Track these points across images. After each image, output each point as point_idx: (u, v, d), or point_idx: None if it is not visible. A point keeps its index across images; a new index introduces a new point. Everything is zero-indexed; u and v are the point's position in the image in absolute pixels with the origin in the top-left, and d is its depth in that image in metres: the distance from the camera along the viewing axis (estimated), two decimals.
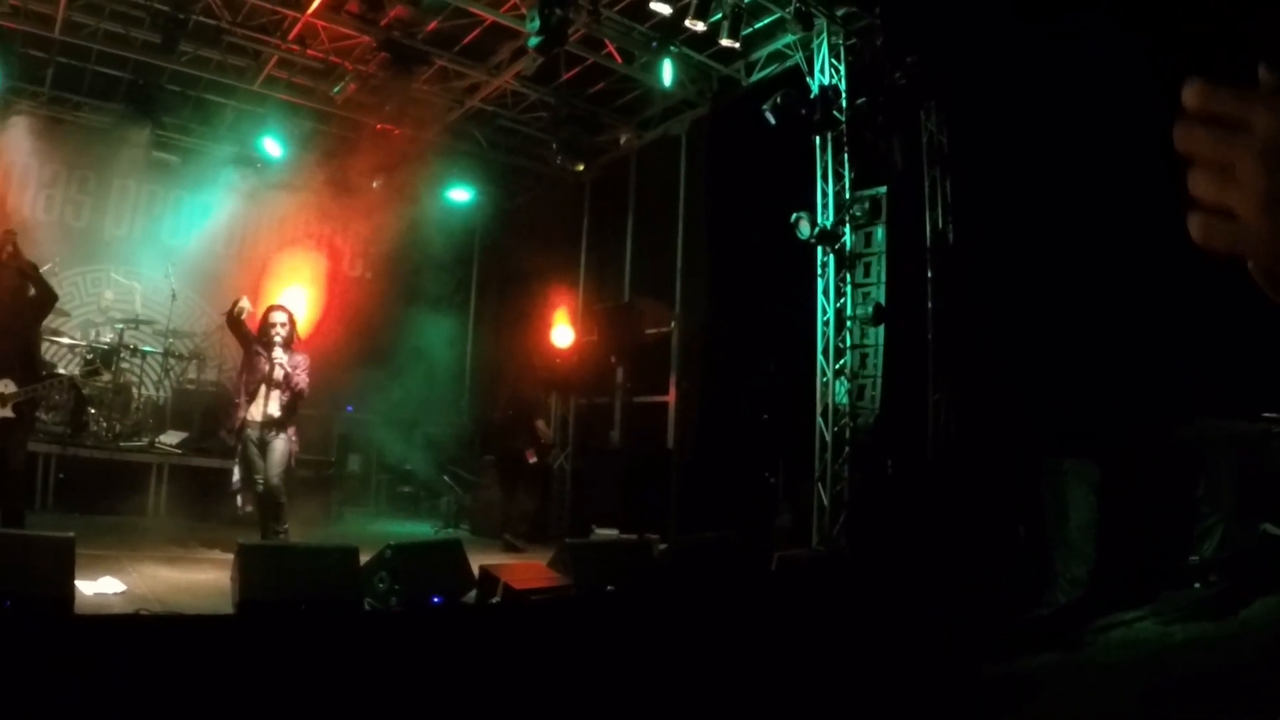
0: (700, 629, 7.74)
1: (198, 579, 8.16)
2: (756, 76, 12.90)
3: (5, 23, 12.45)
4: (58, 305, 11.74)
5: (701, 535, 9.85)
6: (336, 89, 14.57)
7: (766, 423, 12.74)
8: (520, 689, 6.59)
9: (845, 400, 11.37)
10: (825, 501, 11.13)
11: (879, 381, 11.33)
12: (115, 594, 7.20)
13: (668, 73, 12.77)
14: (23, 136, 14.43)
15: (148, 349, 14.11)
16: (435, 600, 7.55)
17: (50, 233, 14.93)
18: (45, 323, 12.79)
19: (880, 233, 11.40)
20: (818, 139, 11.69)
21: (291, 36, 13.38)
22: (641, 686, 6.93)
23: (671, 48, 12.49)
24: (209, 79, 14.57)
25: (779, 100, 11.40)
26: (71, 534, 6.34)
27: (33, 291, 8.96)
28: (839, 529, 10.96)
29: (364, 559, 7.28)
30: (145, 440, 12.59)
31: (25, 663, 5.34)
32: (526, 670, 6.74)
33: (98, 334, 12.94)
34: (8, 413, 8.53)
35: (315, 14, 12.69)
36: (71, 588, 6.13)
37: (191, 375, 14.43)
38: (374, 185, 16.17)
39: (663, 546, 9.88)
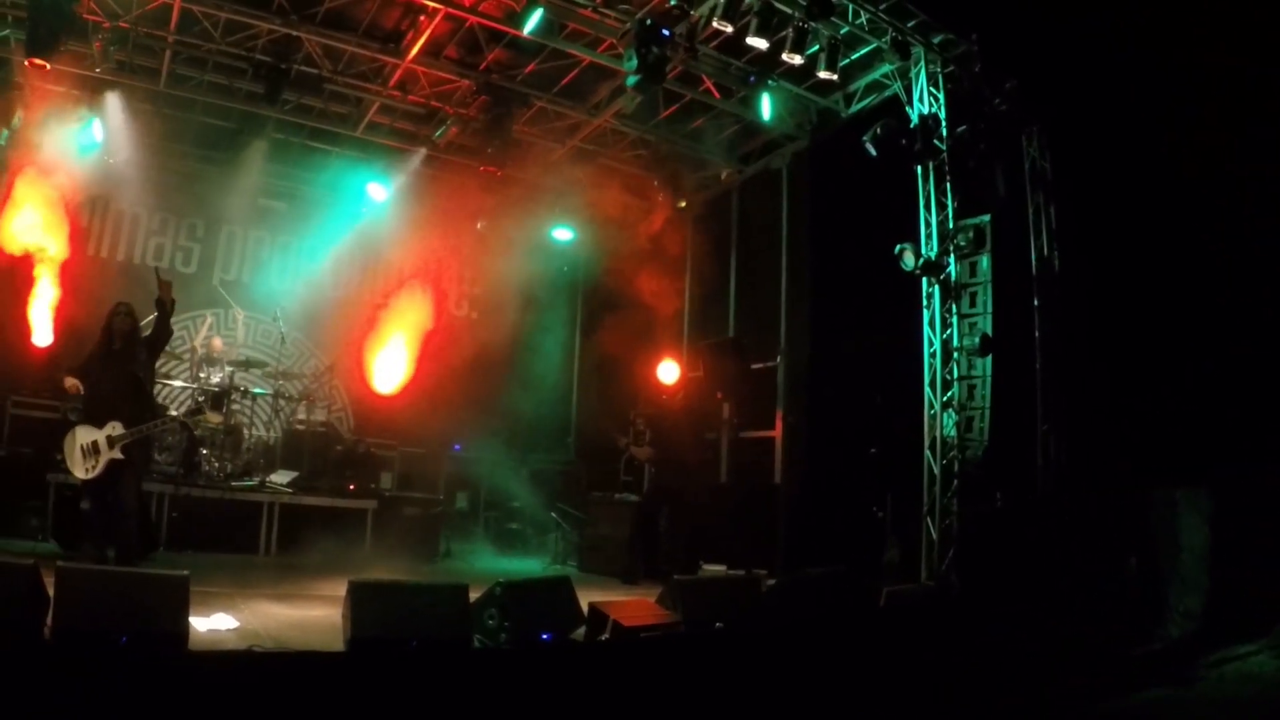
0: (809, 666, 7.76)
1: (309, 616, 8.34)
2: (856, 107, 13.07)
3: (113, 76, 13.20)
4: (169, 349, 12.42)
5: (809, 571, 9.79)
6: (438, 133, 15.10)
7: (874, 456, 12.76)
8: None
9: (953, 432, 11.36)
10: (934, 536, 11.14)
11: (987, 413, 11.25)
12: (228, 630, 7.38)
13: (766, 106, 12.98)
14: (131, 185, 15.11)
15: (258, 390, 14.64)
16: (544, 637, 7.57)
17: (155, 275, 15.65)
18: (159, 367, 13.54)
19: (985, 262, 11.36)
20: (919, 169, 11.77)
21: (392, 83, 14.00)
22: None
23: (770, 81, 12.71)
24: (312, 126, 15.27)
25: (879, 131, 11.49)
26: (186, 572, 6.51)
27: (146, 332, 9.57)
28: (948, 564, 10.94)
29: (473, 596, 7.36)
30: (256, 480, 12.99)
31: (141, 698, 5.57)
32: (636, 708, 6.84)
33: (208, 377, 13.45)
34: (116, 454, 9.06)
35: (415, 60, 13.27)
36: (186, 624, 6.30)
37: (301, 416, 14.91)
38: (478, 227, 16.68)
39: (771, 582, 9.88)
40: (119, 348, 9.44)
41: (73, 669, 5.63)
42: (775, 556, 12.84)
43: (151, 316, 10.05)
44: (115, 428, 9.15)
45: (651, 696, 7.02)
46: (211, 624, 7.42)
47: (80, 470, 9.07)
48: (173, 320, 13.88)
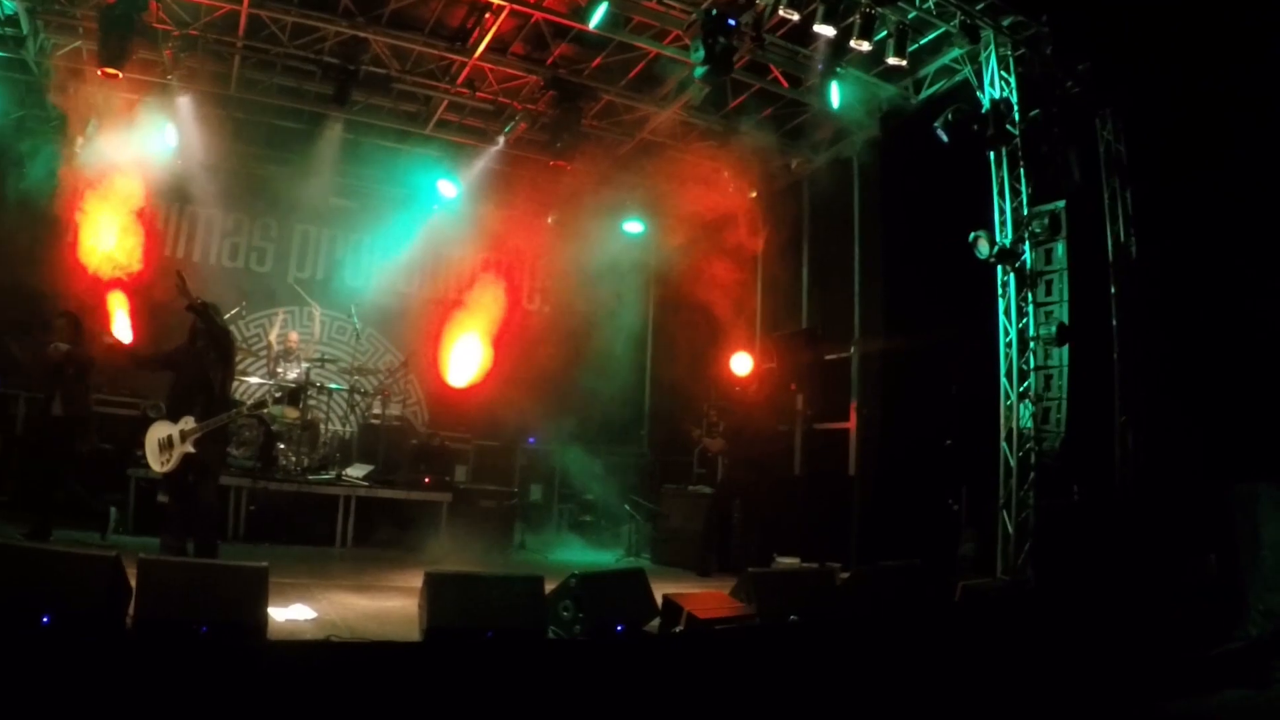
0: (884, 660, 7.75)
1: (386, 606, 8.50)
2: (926, 93, 12.89)
3: (184, 83, 13.50)
4: (244, 345, 12.64)
5: (884, 564, 9.67)
6: (507, 129, 15.19)
7: (949, 448, 12.62)
8: (706, 717, 6.77)
9: (1030, 424, 11.20)
10: (1010, 529, 11.01)
11: (1064, 404, 11.05)
12: (306, 621, 7.53)
13: (835, 95, 12.82)
14: (205, 188, 15.45)
15: (334, 386, 14.91)
16: (618, 629, 7.60)
17: (236, 279, 16.15)
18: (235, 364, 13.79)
19: (1061, 249, 11.15)
20: (992, 155, 11.61)
21: (460, 80, 14.08)
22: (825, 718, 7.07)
23: (838, 69, 12.56)
24: (382, 125, 15.45)
25: (950, 117, 11.37)
26: (265, 563, 6.65)
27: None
28: (1024, 557, 10.81)
29: (548, 588, 7.44)
30: (333, 473, 13.21)
31: (221, 687, 5.73)
32: (709, 700, 6.86)
33: (285, 373, 13.69)
34: (189, 448, 9.21)
35: (481, 57, 13.35)
36: (265, 615, 6.43)
37: (376, 410, 15.04)
38: (549, 221, 16.77)
39: (845, 575, 9.80)
40: (200, 346, 9.64)
41: (154, 658, 5.79)
42: (849, 549, 12.76)
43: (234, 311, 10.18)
44: (188, 422, 9.31)
45: (725, 689, 7.04)
46: (290, 614, 7.58)
47: (157, 464, 9.31)
48: (248, 318, 14.40)
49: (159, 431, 9.35)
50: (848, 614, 8.55)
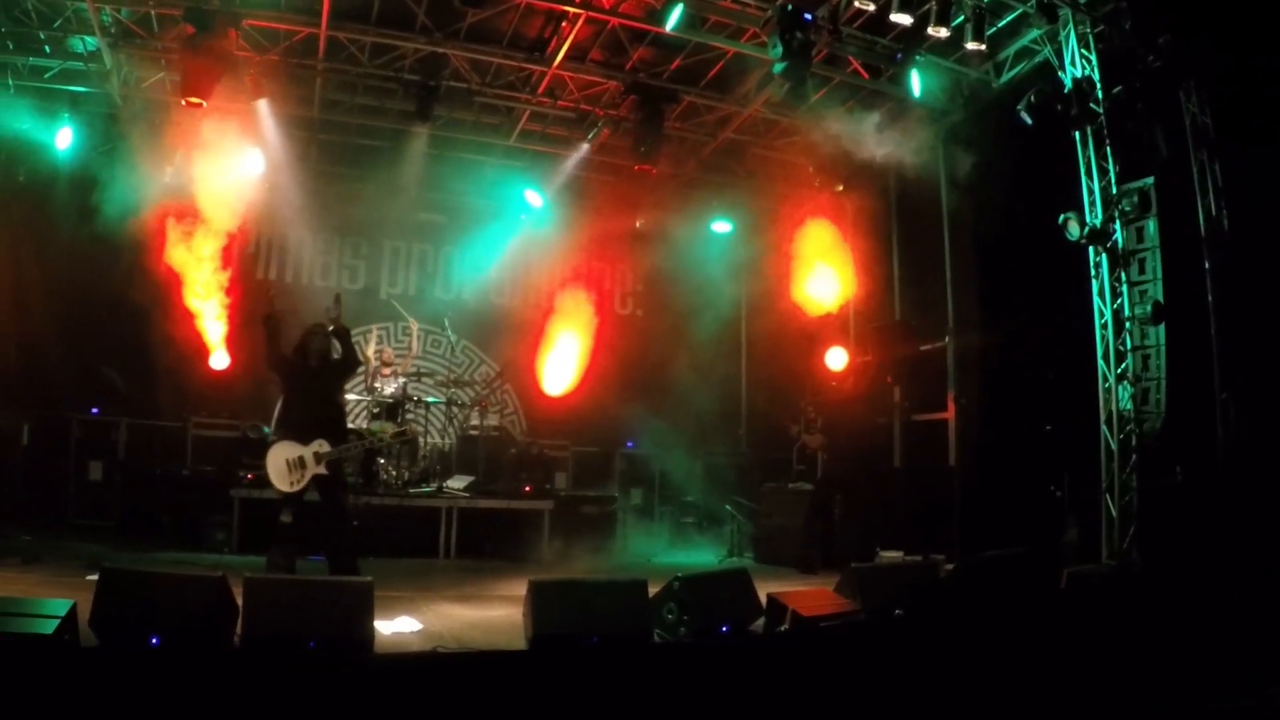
0: (991, 651, 7.66)
1: (490, 616, 8.58)
2: (1007, 76, 12.74)
3: (268, 107, 13.88)
4: None
5: (988, 554, 9.63)
6: (590, 136, 15.35)
7: (1049, 434, 12.50)
8: (814, 717, 6.79)
9: (1129, 405, 11.00)
10: (1113, 513, 10.83)
11: (1163, 384, 10.81)
12: (412, 633, 7.67)
13: (916, 83, 12.79)
14: (294, 209, 15.84)
15: (431, 399, 15.23)
16: (723, 629, 7.68)
17: (329, 298, 16.26)
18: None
19: (1152, 226, 10.94)
20: (1077, 134, 11.44)
21: (540, 90, 14.30)
22: (935, 713, 7.06)
23: (917, 57, 12.50)
24: (466, 139, 15.76)
25: (1033, 99, 11.27)
26: (370, 578, 6.88)
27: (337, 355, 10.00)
28: (1129, 542, 10.64)
29: (651, 591, 7.52)
30: (433, 486, 13.44)
31: (330, 701, 5.90)
32: (818, 697, 6.87)
33: (381, 388, 13.99)
34: (321, 470, 9.50)
35: (561, 66, 13.55)
36: (371, 629, 6.61)
37: (474, 421, 15.30)
38: (636, 225, 16.89)
39: (949, 567, 9.78)
40: (315, 366, 9.89)
41: (262, 674, 5.97)
42: (952, 541, 12.62)
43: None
44: (321, 445, 9.55)
45: (833, 686, 7.05)
46: (395, 627, 7.71)
47: (284, 484, 9.49)
48: None
49: (286, 452, 9.51)
50: (953, 607, 8.53)
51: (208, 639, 6.29)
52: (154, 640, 6.14)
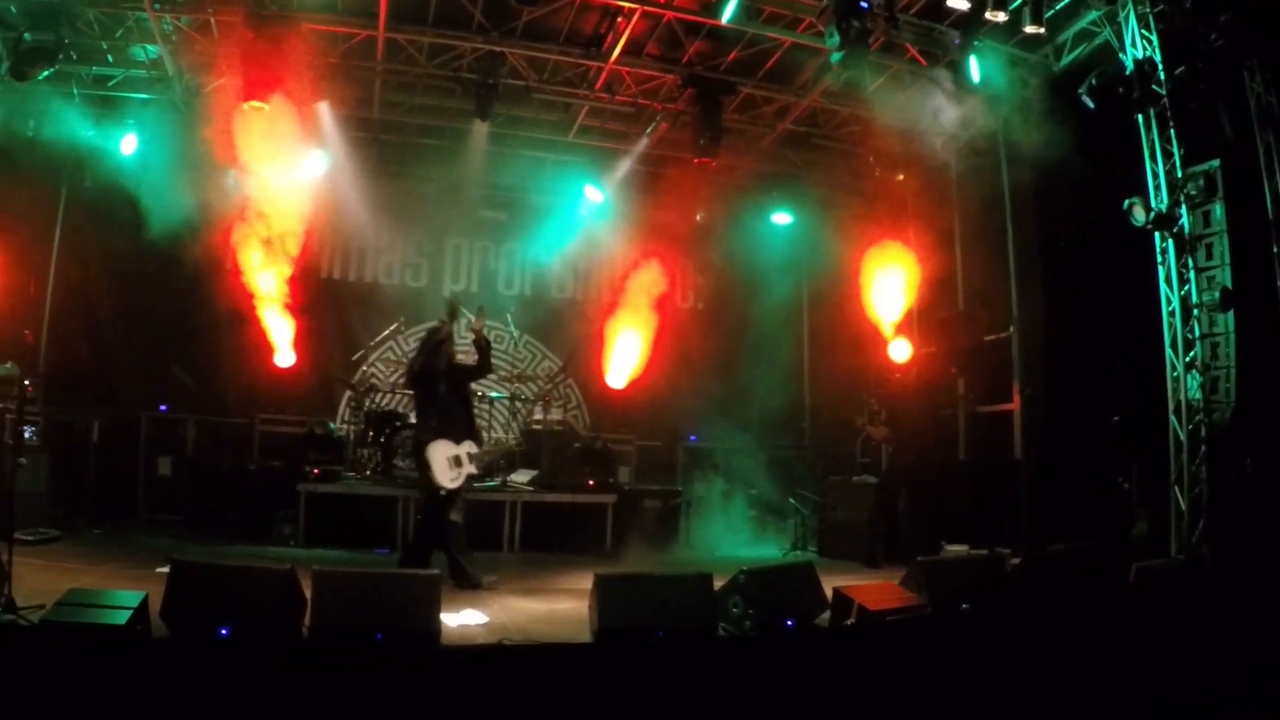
0: (1059, 646, 7.56)
1: (555, 609, 8.62)
2: (1067, 59, 12.43)
3: (328, 109, 14.03)
4: (404, 359, 13.09)
5: (1055, 548, 9.44)
6: (649, 129, 15.22)
7: (1116, 425, 12.17)
8: (879, 711, 6.71)
9: (1198, 395, 10.68)
10: (1183, 506, 10.57)
11: (1232, 372, 10.43)
12: (478, 625, 7.70)
13: (975, 69, 12.48)
14: (356, 209, 15.88)
15: (495, 395, 15.26)
16: (789, 623, 7.62)
17: (393, 295, 16.66)
18: (396, 377, 14.33)
19: (1219, 210, 10.57)
20: (1140, 117, 11.13)
21: (598, 86, 14.26)
22: (1002, 708, 6.89)
23: (975, 43, 12.21)
24: (525, 136, 15.77)
25: (1094, 82, 11.00)
26: (437, 571, 7.02)
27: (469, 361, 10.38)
28: (1198, 535, 10.33)
29: (716, 585, 7.52)
30: (498, 480, 13.43)
31: (398, 691, 5.97)
32: (884, 691, 6.82)
33: None
34: (472, 469, 9.94)
35: (617, 61, 13.50)
36: (438, 621, 6.69)
37: (537, 416, 15.29)
38: (697, 218, 16.75)
39: (1015, 561, 9.58)
40: (445, 368, 10.12)
41: (330, 665, 6.07)
42: (1018, 534, 12.32)
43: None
44: (471, 446, 9.95)
45: (900, 680, 6.98)
46: (461, 619, 7.76)
47: (447, 480, 9.72)
48: (409, 332, 14.88)
49: (446, 450, 9.79)
50: (1020, 601, 8.40)
51: (276, 630, 6.41)
52: (223, 631, 6.27)
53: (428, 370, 10.10)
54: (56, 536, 11.07)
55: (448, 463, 9.71)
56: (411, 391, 11.27)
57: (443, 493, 9.73)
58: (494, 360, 11.89)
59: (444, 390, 10.07)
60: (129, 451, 14.04)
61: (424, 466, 9.77)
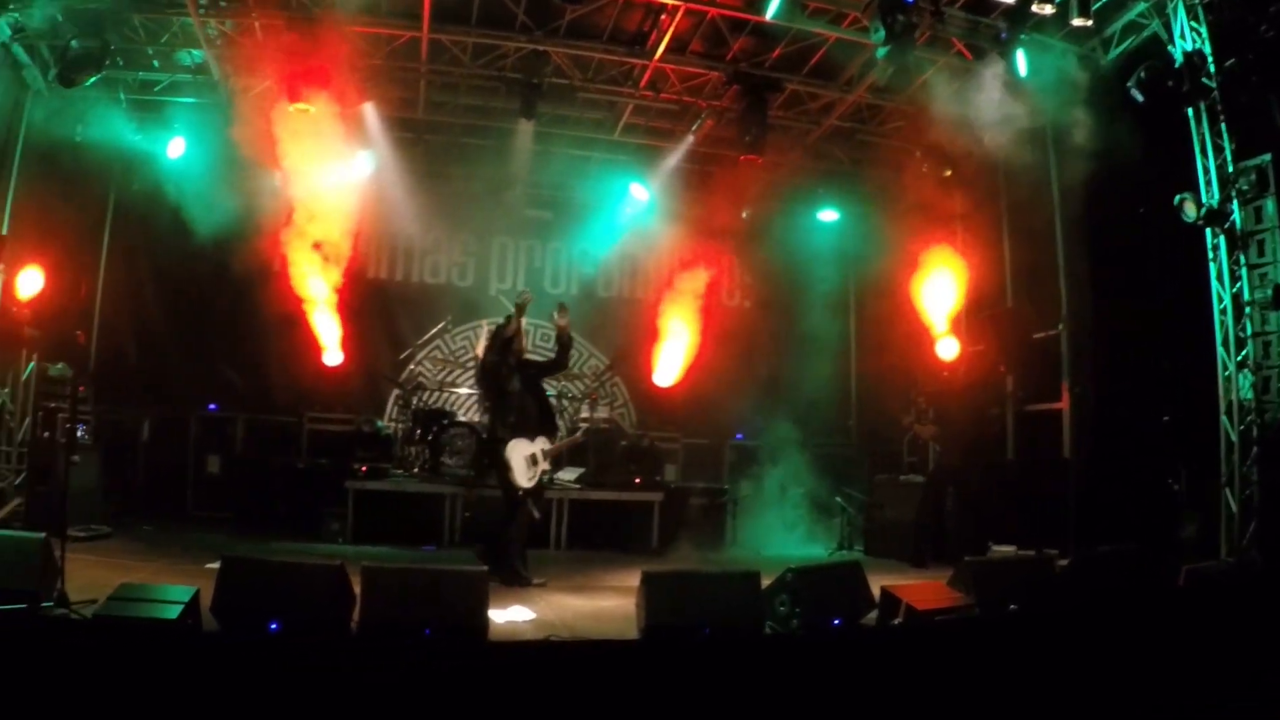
0: (1107, 648, 7.47)
1: (602, 606, 8.71)
2: (1115, 52, 12.15)
3: (374, 110, 14.12)
4: (453, 358, 13.19)
5: (1103, 549, 9.38)
6: (694, 127, 15.19)
7: (1166, 424, 11.94)
8: (926, 711, 6.67)
9: (1250, 395, 10.41)
10: (1233, 508, 10.30)
11: None
12: (525, 622, 7.80)
13: (1022, 63, 12.30)
14: (403, 209, 15.98)
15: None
16: (835, 623, 7.64)
17: (440, 295, 16.81)
18: (443, 376, 14.39)
19: (1271, 205, 10.23)
20: (1190, 111, 10.88)
21: (643, 84, 14.21)
22: (1050, 710, 6.83)
23: (1022, 36, 12.02)
24: (570, 135, 15.78)
25: (1143, 75, 10.75)
26: (485, 567, 7.17)
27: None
28: (1249, 538, 10.07)
29: (763, 583, 7.55)
30: (545, 478, 13.46)
31: (446, 686, 6.02)
32: (931, 691, 6.78)
33: None
34: (546, 465, 10.14)
35: (662, 58, 13.45)
36: (486, 617, 6.78)
37: (584, 414, 15.34)
38: (743, 215, 16.66)
39: (1063, 562, 9.49)
40: (516, 364, 10.29)
41: (379, 659, 6.15)
42: (1066, 535, 12.16)
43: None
44: (544, 443, 10.14)
45: (947, 680, 6.94)
46: (509, 616, 7.88)
47: (525, 480, 9.93)
48: (456, 331, 14.98)
49: (523, 449, 10.00)
50: (1069, 602, 8.35)
51: (325, 625, 6.52)
52: (273, 626, 6.40)
53: (497, 367, 10.23)
54: (107, 533, 11.34)
55: (525, 462, 9.89)
56: (483, 389, 11.36)
57: (520, 493, 9.86)
58: (538, 358, 11.98)
59: (517, 387, 10.19)
60: (178, 450, 14.37)
61: (504, 467, 9.90)
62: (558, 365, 10.82)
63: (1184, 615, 8.19)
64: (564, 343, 10.53)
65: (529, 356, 10.71)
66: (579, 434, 11.26)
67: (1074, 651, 7.39)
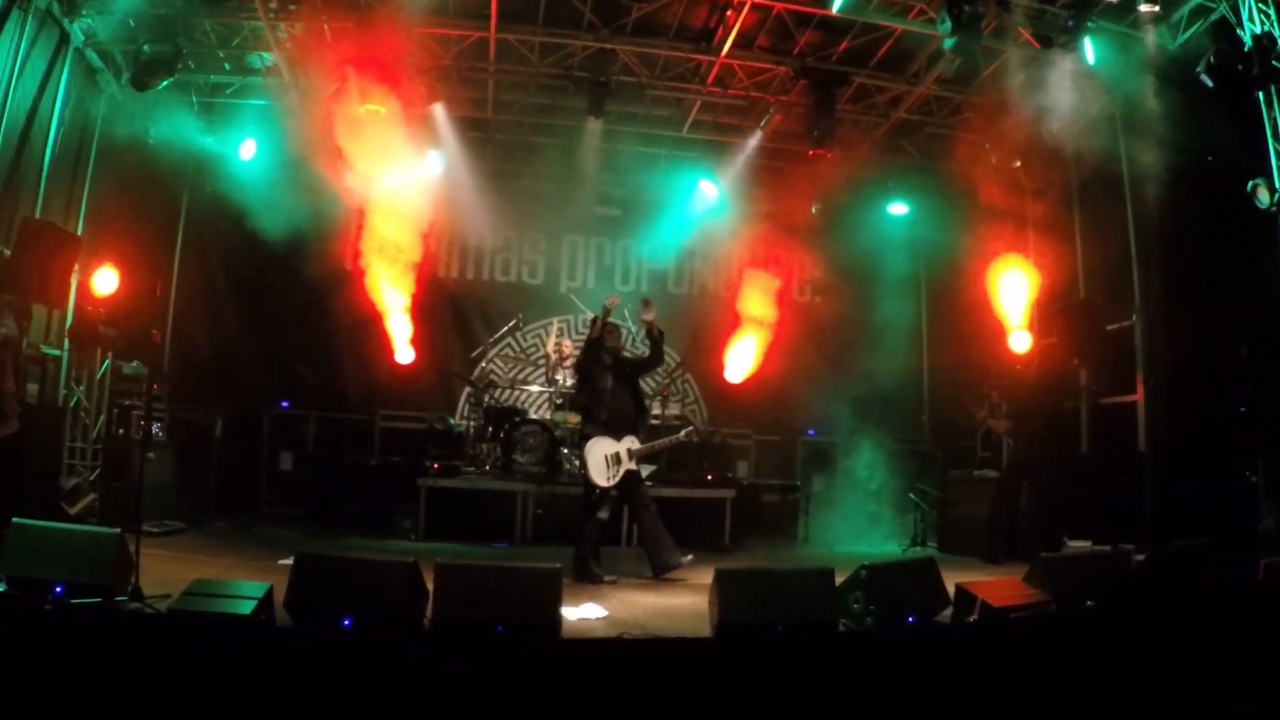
0: (1185, 644, 7.32)
1: (675, 603, 8.68)
2: (1183, 37, 11.88)
3: (443, 111, 14.29)
4: (524, 355, 13.25)
5: (1180, 544, 9.14)
6: (762, 123, 15.21)
7: (1243, 415, 11.68)
8: (1003, 709, 6.56)
9: None
10: None
11: None
12: (598, 619, 7.79)
13: (1090, 51, 12.16)
14: (473, 209, 16.13)
15: None
16: (910, 620, 7.57)
17: (510, 293, 17.04)
18: (514, 373, 14.49)
19: None
20: (1260, 95, 10.63)
21: (710, 80, 14.22)
22: (1128, 708, 6.72)
23: (1089, 23, 11.84)
24: (639, 132, 15.77)
25: (1212, 59, 10.52)
26: (558, 564, 7.09)
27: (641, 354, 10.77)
28: None
29: (837, 580, 7.49)
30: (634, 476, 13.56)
31: (519, 683, 6.04)
32: (1008, 689, 6.68)
33: (563, 380, 14.11)
34: (633, 465, 10.11)
35: (729, 54, 13.45)
36: (558, 614, 6.81)
37: (656, 411, 15.25)
38: (812, 210, 16.58)
39: (1140, 557, 9.37)
40: (611, 363, 10.33)
41: (451, 655, 6.22)
42: (1142, 529, 11.94)
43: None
44: (632, 442, 10.14)
45: (1023, 678, 6.84)
46: (581, 613, 7.87)
47: (603, 479, 9.97)
48: (525, 329, 15.10)
49: (604, 448, 10.03)
50: (1146, 598, 8.17)
51: (399, 621, 6.58)
52: (346, 622, 6.47)
53: (589, 365, 10.32)
54: (181, 528, 11.61)
55: (605, 461, 9.90)
56: (579, 386, 11.43)
57: (597, 491, 9.90)
58: (632, 355, 12.03)
59: (610, 384, 10.23)
60: (251, 447, 14.65)
61: (583, 463, 10.00)
62: (654, 360, 10.80)
63: (1263, 610, 8.00)
64: (654, 338, 10.52)
65: (624, 355, 10.69)
66: (681, 434, 11.15)
67: (1153, 648, 7.26)
